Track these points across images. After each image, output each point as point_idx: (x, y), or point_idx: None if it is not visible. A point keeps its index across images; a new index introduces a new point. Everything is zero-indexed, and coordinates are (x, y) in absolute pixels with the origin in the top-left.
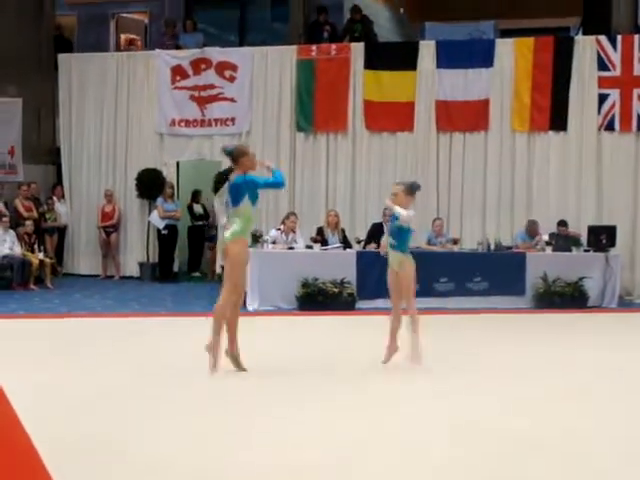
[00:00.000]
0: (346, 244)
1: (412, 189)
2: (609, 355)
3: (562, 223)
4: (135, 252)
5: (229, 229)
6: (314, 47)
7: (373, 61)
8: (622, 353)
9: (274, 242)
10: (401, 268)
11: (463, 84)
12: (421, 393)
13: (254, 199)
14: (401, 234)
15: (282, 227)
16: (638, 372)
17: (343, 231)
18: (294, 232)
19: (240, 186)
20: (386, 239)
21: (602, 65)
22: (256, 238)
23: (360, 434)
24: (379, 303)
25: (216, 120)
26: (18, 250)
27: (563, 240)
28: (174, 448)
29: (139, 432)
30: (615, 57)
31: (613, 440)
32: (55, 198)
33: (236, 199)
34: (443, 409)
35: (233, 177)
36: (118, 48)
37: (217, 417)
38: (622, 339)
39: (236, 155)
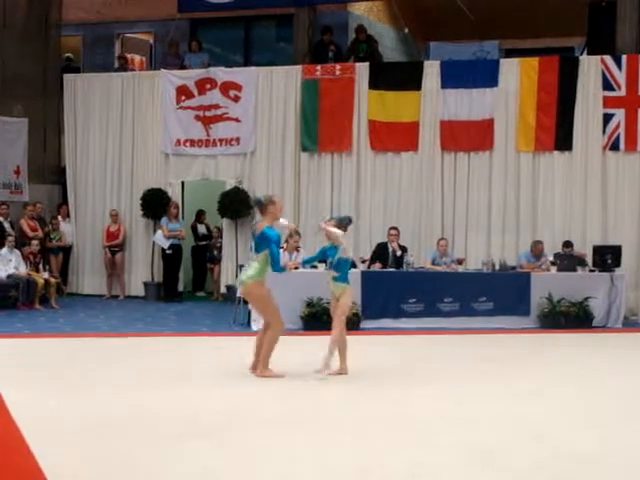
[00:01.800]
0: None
1: (342, 222)
2: (614, 377)
3: (567, 244)
4: (140, 272)
5: (247, 271)
6: (319, 67)
7: (378, 81)
8: (625, 376)
9: None
10: (342, 296)
11: (468, 104)
12: (419, 415)
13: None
14: (342, 266)
15: (285, 246)
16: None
17: None
18: (298, 251)
19: (266, 239)
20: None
21: (607, 85)
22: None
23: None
24: (384, 323)
25: (221, 140)
26: (23, 270)
27: (568, 260)
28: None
29: (148, 454)
30: (620, 77)
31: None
32: (60, 218)
33: (259, 248)
34: (456, 432)
35: (261, 227)
36: (124, 68)
37: (232, 442)
38: (626, 360)
39: (265, 204)
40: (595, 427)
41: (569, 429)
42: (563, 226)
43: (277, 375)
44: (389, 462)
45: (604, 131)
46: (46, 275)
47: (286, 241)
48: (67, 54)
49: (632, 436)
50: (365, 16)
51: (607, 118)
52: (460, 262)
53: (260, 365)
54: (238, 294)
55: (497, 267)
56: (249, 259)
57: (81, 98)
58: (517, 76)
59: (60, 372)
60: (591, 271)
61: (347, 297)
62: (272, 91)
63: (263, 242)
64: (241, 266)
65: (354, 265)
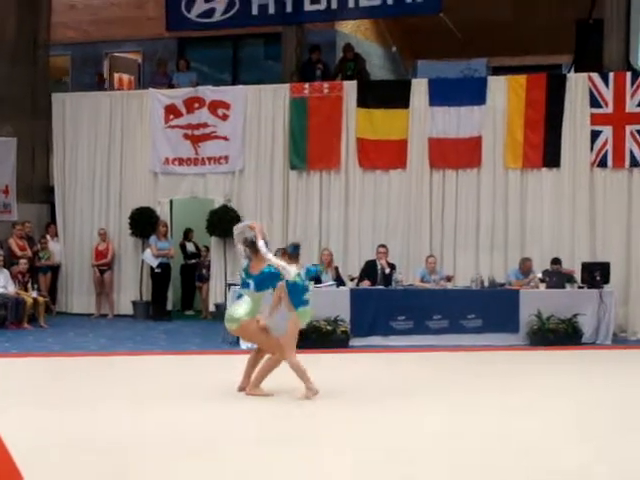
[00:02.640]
0: (339, 282)
1: (290, 250)
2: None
3: (556, 261)
4: (129, 290)
5: (239, 309)
6: (307, 85)
7: (366, 99)
8: (616, 389)
9: None
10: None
11: (456, 121)
12: (412, 432)
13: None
14: (290, 290)
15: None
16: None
17: (337, 269)
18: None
19: (270, 277)
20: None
21: (594, 102)
22: None
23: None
24: (373, 340)
25: (209, 158)
26: (12, 289)
27: (557, 277)
28: None
29: (136, 474)
30: (607, 94)
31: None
32: (49, 237)
33: (260, 287)
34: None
35: (258, 268)
36: (112, 87)
37: (231, 457)
38: (616, 375)
39: (254, 245)
40: (589, 440)
41: (563, 442)
42: (551, 243)
43: (266, 394)
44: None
45: (592, 148)
46: (35, 294)
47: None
48: (63, 78)
49: (626, 447)
50: (353, 35)
51: (595, 135)
52: (449, 279)
53: (252, 383)
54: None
55: (486, 284)
56: (243, 293)
57: (70, 117)
58: (505, 94)
59: (48, 391)
60: (580, 288)
61: (290, 323)
62: (260, 109)
63: (266, 281)
64: (229, 285)
65: (318, 280)
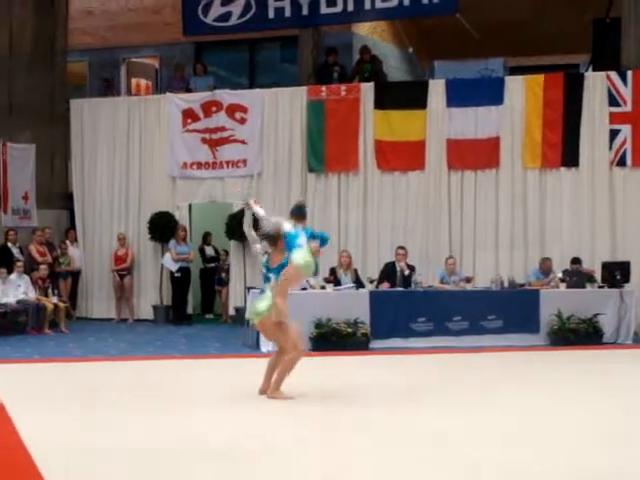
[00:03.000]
0: (359, 284)
1: (294, 211)
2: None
3: (576, 261)
4: (149, 295)
5: (261, 302)
6: (324, 88)
7: (383, 101)
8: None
9: None
10: None
11: (473, 122)
12: (432, 434)
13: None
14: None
15: None
16: None
17: (356, 271)
18: None
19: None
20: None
21: (613, 101)
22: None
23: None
24: (393, 342)
25: (227, 162)
26: (32, 295)
27: (577, 277)
28: None
29: (159, 478)
30: (626, 93)
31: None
32: (68, 242)
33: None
34: (450, 451)
35: (278, 261)
36: (129, 92)
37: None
38: (638, 376)
39: (275, 237)
40: (609, 443)
41: (583, 445)
42: (571, 242)
43: (286, 397)
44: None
45: (610, 147)
46: (55, 300)
47: None
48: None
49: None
50: (369, 36)
51: (613, 134)
52: (469, 280)
53: (273, 386)
54: (247, 317)
55: (506, 285)
56: (263, 289)
57: (88, 123)
58: (522, 93)
59: (71, 396)
60: (600, 287)
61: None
62: (278, 112)
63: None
64: (249, 288)
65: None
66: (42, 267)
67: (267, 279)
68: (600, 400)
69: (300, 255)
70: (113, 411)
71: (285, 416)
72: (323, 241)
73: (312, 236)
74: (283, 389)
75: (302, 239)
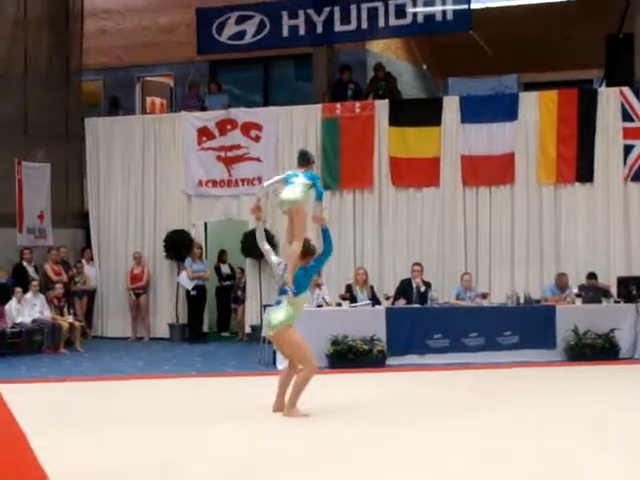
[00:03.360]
0: (375, 301)
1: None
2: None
3: (591, 276)
4: (164, 313)
5: (277, 314)
6: (338, 105)
7: (397, 118)
8: None
9: None
10: None
11: (488, 138)
12: (450, 451)
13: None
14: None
15: None
16: None
17: (372, 288)
18: (319, 288)
19: (303, 279)
20: None
21: (626, 116)
22: None
23: None
24: (409, 359)
25: (243, 180)
26: (48, 314)
27: (593, 292)
28: None
29: None
30: (639, 108)
31: None
32: (84, 261)
33: (298, 290)
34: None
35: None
36: (144, 111)
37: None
38: None
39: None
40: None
41: (600, 461)
42: (586, 257)
43: (302, 415)
44: None
45: (625, 162)
46: (71, 319)
47: None
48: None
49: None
50: (383, 54)
51: (627, 149)
52: (484, 296)
53: (288, 403)
54: (264, 334)
55: (522, 300)
56: (281, 300)
57: (103, 142)
58: (536, 109)
59: (87, 415)
60: (616, 302)
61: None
62: (292, 130)
63: (300, 283)
64: (265, 306)
65: None
66: (57, 286)
67: (283, 291)
68: (619, 416)
69: (287, 190)
70: (128, 430)
71: (302, 433)
72: (318, 194)
73: (311, 178)
74: (299, 406)
75: (296, 179)
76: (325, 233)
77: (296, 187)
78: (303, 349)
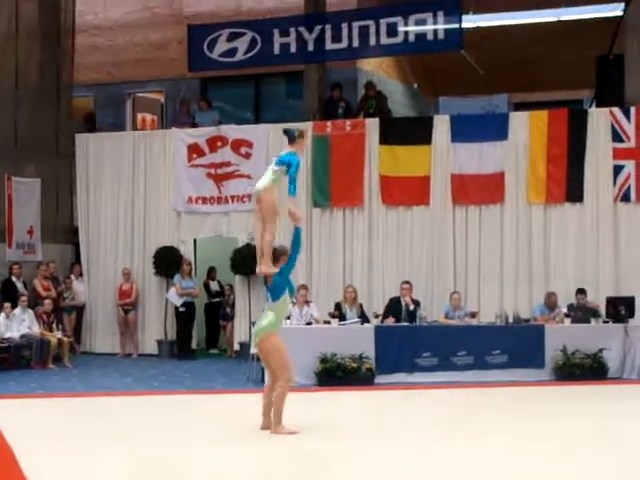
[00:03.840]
0: (364, 319)
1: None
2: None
3: (581, 291)
4: (153, 330)
5: (263, 318)
6: (329, 123)
7: (388, 136)
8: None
9: (289, 317)
10: None
11: (478, 157)
12: (438, 471)
13: (292, 292)
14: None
15: (294, 301)
16: None
17: (361, 306)
18: (308, 305)
19: (280, 285)
20: None
21: (616, 136)
22: None
23: None
24: (398, 377)
25: (232, 197)
26: (36, 329)
27: (582, 311)
28: None
29: None
30: (629, 128)
31: None
32: (73, 277)
33: (275, 296)
34: None
35: (269, 273)
36: (135, 127)
37: None
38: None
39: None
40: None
41: None
42: (575, 277)
43: (291, 432)
44: None
45: (614, 182)
46: (59, 334)
47: (295, 296)
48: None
49: None
50: (374, 72)
51: (617, 169)
52: (473, 315)
53: (274, 421)
54: (252, 351)
55: (511, 320)
56: (264, 308)
57: (93, 158)
58: (527, 129)
59: (75, 432)
60: (605, 322)
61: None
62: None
63: (277, 289)
64: (254, 323)
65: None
66: (46, 302)
67: (266, 298)
68: (608, 437)
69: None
70: (118, 446)
71: (287, 451)
72: (291, 188)
73: (281, 162)
74: (289, 423)
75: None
76: (297, 233)
77: (265, 175)
78: (281, 358)
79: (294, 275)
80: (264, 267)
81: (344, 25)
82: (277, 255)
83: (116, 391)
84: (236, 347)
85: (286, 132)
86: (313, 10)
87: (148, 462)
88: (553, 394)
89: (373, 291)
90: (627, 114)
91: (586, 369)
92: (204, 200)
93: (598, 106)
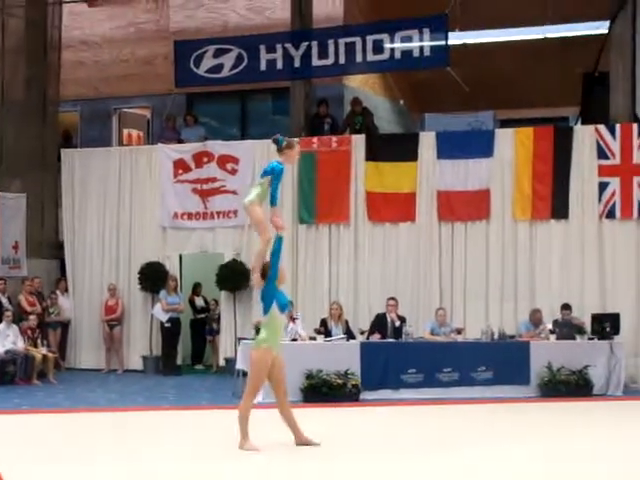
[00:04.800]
0: (350, 335)
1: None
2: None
3: (566, 307)
4: (138, 345)
5: (261, 333)
6: (315, 139)
7: (374, 153)
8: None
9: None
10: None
11: (464, 174)
12: None
13: (283, 307)
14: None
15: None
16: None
17: (347, 322)
18: (293, 322)
19: (267, 296)
20: None
21: (602, 154)
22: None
23: None
24: (383, 394)
25: (218, 213)
26: (21, 345)
27: (567, 328)
28: None
29: None
30: (614, 146)
31: None
32: (59, 292)
33: (265, 308)
34: None
35: (259, 284)
36: (121, 143)
37: None
38: (628, 427)
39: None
40: None
41: None
42: (561, 294)
43: (254, 448)
44: None
45: (600, 199)
46: (44, 350)
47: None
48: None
49: None
50: (360, 89)
51: (602, 186)
52: (459, 332)
53: (240, 436)
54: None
55: (496, 336)
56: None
57: (79, 173)
58: (512, 146)
59: (59, 448)
60: (590, 339)
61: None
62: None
63: (265, 299)
64: (239, 339)
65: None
66: (31, 317)
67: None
68: (591, 451)
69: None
70: (103, 463)
71: (268, 468)
72: (272, 198)
73: (266, 173)
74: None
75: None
76: (278, 241)
77: (252, 189)
78: (258, 379)
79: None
80: (254, 279)
81: (330, 41)
82: (266, 269)
83: (101, 407)
84: (221, 363)
85: (274, 141)
86: (299, 26)
87: (131, 479)
88: (540, 410)
89: (359, 307)
90: (612, 131)
91: (571, 386)
92: (190, 216)
93: (583, 123)
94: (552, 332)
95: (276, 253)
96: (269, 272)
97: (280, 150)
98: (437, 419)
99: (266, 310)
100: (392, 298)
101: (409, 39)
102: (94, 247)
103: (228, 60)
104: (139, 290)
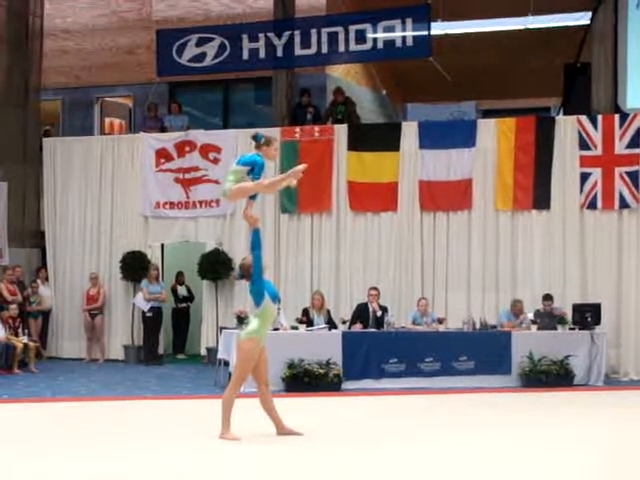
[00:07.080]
0: (331, 325)
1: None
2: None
3: (547, 297)
4: (120, 335)
5: (247, 326)
6: (298, 129)
7: (356, 142)
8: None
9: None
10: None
11: (446, 164)
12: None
13: (275, 297)
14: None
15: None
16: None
17: (328, 312)
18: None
19: (257, 288)
20: None
21: (583, 144)
22: (241, 320)
23: None
24: (365, 383)
25: (201, 202)
26: (2, 334)
27: (548, 318)
28: None
29: None
30: (596, 136)
31: None
32: (39, 281)
33: (256, 300)
34: None
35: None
36: (102, 132)
37: None
38: (608, 417)
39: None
40: None
41: None
42: (542, 284)
43: (235, 438)
44: None
45: (581, 190)
46: (25, 339)
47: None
48: (46, 127)
49: None
50: (343, 78)
51: (584, 177)
52: (441, 321)
53: (221, 425)
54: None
55: (478, 326)
56: (251, 313)
57: (60, 162)
58: (494, 136)
59: (40, 437)
60: (571, 329)
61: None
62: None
63: (254, 292)
64: (221, 329)
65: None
66: (12, 306)
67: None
68: (575, 440)
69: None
70: (84, 452)
71: (252, 457)
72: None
73: (244, 163)
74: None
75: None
76: (255, 234)
77: (226, 178)
78: (245, 369)
79: None
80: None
81: (313, 31)
82: (247, 269)
83: (82, 396)
84: (203, 352)
85: (253, 137)
86: (282, 16)
87: (114, 467)
88: (521, 400)
89: (340, 297)
90: (594, 122)
91: (552, 376)
92: (172, 205)
93: (565, 114)
94: (534, 322)
95: (257, 246)
96: (254, 266)
97: (259, 147)
98: (419, 409)
99: (259, 302)
100: (374, 288)
101: (392, 29)
102: (75, 236)
103: (210, 49)
104: (121, 279)
